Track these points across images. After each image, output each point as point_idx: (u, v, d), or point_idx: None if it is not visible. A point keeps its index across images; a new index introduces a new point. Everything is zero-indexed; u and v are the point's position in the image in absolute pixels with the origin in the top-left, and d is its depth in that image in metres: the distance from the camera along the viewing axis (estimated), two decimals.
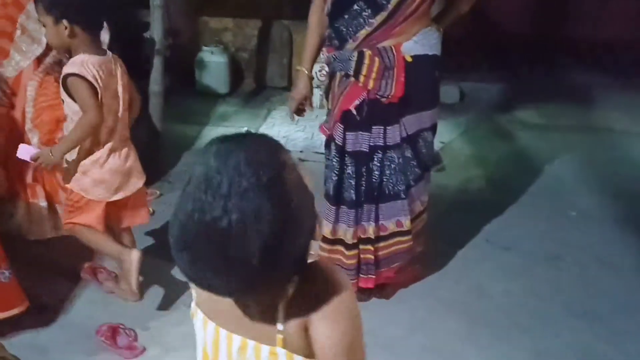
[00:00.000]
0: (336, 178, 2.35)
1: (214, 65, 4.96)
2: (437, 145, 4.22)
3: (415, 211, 2.47)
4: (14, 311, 2.11)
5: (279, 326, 0.97)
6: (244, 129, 4.13)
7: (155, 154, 3.63)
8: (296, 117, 2.48)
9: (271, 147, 0.92)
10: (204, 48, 5.00)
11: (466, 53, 5.43)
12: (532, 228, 3.13)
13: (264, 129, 4.32)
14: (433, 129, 2.43)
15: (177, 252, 0.90)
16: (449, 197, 3.49)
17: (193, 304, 1.09)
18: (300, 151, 3.94)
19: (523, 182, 3.66)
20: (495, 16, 5.53)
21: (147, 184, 3.33)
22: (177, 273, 2.47)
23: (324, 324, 0.96)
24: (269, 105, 4.87)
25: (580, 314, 2.48)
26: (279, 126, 4.40)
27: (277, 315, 0.97)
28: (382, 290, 2.56)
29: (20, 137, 2.70)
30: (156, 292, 2.48)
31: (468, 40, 5.34)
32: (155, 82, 3.59)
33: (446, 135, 4.43)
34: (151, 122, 3.65)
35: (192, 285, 1.03)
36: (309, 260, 0.98)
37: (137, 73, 3.70)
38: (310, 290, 0.97)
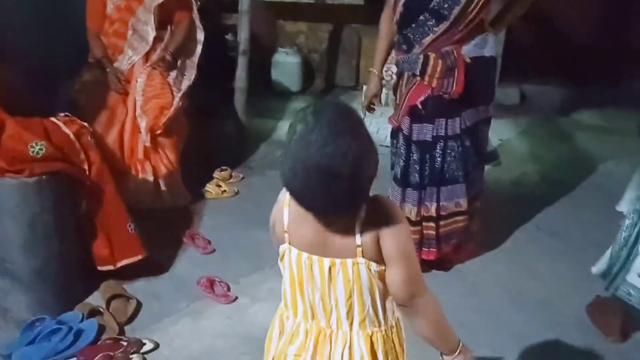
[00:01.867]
0: (403, 164, 2.72)
1: (288, 66, 5.41)
2: (495, 142, 4.53)
3: (472, 194, 2.81)
4: (138, 257, 2.57)
5: (358, 240, 1.29)
6: None
7: (241, 143, 4.09)
8: (367, 113, 2.86)
9: (347, 108, 1.27)
10: (280, 49, 5.45)
11: (530, 57, 5.65)
12: (578, 218, 3.40)
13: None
14: (488, 121, 2.77)
15: (288, 183, 1.24)
16: (504, 189, 3.79)
17: (283, 246, 1.40)
18: None
19: (575, 178, 3.91)
20: (562, 24, 5.71)
21: (233, 168, 3.82)
22: (263, 241, 2.89)
23: (390, 236, 1.28)
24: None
25: None
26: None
27: (355, 233, 1.29)
28: (442, 263, 2.90)
29: (132, 121, 3.20)
30: (246, 255, 2.91)
31: (534, 46, 5.57)
32: (241, 80, 4.05)
33: (505, 134, 4.72)
34: (237, 116, 4.11)
35: (285, 228, 1.37)
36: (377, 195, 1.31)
37: (222, 72, 4.18)
38: (378, 213, 1.29)
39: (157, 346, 2.28)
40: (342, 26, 5.50)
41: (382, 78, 2.84)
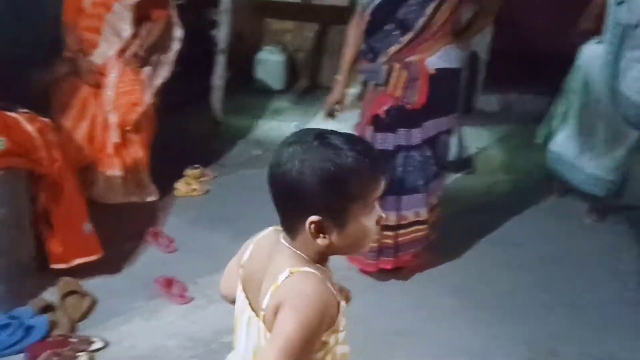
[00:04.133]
0: None
1: (272, 64, 5.42)
2: (472, 150, 4.57)
3: (431, 203, 2.83)
4: (92, 257, 2.59)
5: (264, 304, 1.09)
6: (293, 124, 4.56)
7: (214, 141, 4.11)
8: (329, 118, 2.89)
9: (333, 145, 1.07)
10: (265, 47, 5.46)
11: (511, 65, 5.68)
12: (544, 230, 3.43)
13: (312, 125, 4.73)
14: (449, 132, 2.79)
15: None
16: (473, 197, 3.82)
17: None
18: None
19: (548, 188, 3.93)
20: (544, 33, 5.73)
21: (205, 166, 3.83)
22: (226, 242, 2.91)
23: (288, 313, 1.03)
24: (320, 103, 5.27)
25: (571, 305, 2.77)
26: (326, 123, 4.80)
27: (266, 295, 1.09)
28: (400, 272, 2.92)
29: (103, 116, 3.21)
30: (207, 255, 2.93)
31: (513, 53, 5.59)
32: (218, 77, 4.07)
33: (483, 141, 4.74)
34: (212, 112, 4.12)
35: (242, 263, 1.20)
36: (306, 269, 1.08)
37: (204, 67, 4.19)
38: (295, 285, 1.06)
39: (106, 345, 2.30)
40: (328, 26, 5.51)
41: (347, 86, 2.87)
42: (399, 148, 2.66)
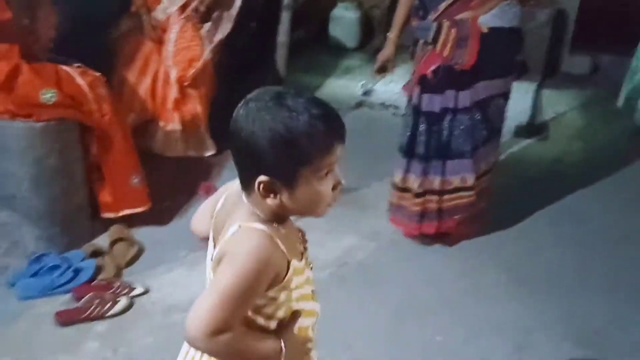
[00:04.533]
0: (410, 134, 2.67)
1: (346, 21, 5.32)
2: (548, 115, 4.33)
3: (481, 170, 2.72)
4: (140, 208, 2.71)
5: (213, 256, 1.13)
6: (361, 83, 4.49)
7: None
8: (379, 75, 2.82)
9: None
10: (339, 4, 5.36)
11: (603, 24, 5.27)
12: (617, 207, 3.19)
13: (380, 84, 4.62)
14: (505, 96, 2.64)
15: None
16: (542, 165, 3.63)
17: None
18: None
19: (624, 162, 3.66)
20: None
21: None
22: None
23: (225, 266, 1.06)
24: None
25: (636, 289, 2.60)
26: (396, 82, 4.68)
27: (217, 247, 1.12)
28: (446, 238, 2.85)
29: (165, 71, 3.30)
30: None
31: (605, 11, 5.17)
32: (283, 33, 4.05)
33: (562, 106, 4.47)
34: (276, 70, 4.13)
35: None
36: (255, 225, 1.08)
37: (271, 24, 4.19)
38: (238, 240, 1.07)
39: (146, 291, 2.42)
40: None
41: (399, 44, 2.77)
42: (445, 110, 2.56)
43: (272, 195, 1.07)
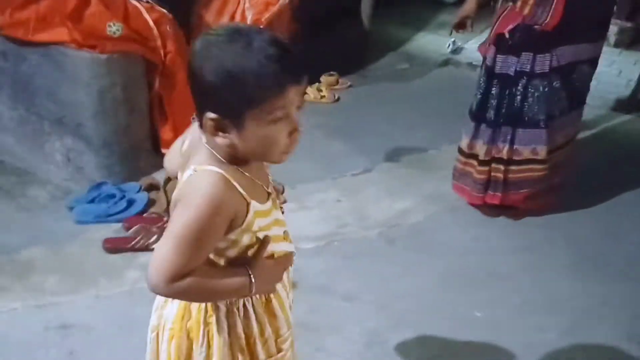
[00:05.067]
0: (480, 97, 2.49)
1: None
2: None
3: (557, 142, 2.51)
4: None
5: (172, 196, 1.08)
6: (451, 39, 4.25)
7: (360, 49, 4.01)
8: (457, 31, 2.63)
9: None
10: None
11: None
12: None
13: (472, 42, 4.36)
14: (592, 62, 2.39)
15: None
16: (636, 145, 3.31)
17: None
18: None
19: None
20: None
21: (343, 74, 3.78)
22: (337, 153, 2.88)
23: (179, 209, 1.02)
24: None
25: None
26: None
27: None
28: (512, 211, 2.68)
29: (242, 13, 3.27)
30: (315, 163, 2.95)
31: None
32: None
33: None
34: (360, 20, 4.00)
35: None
36: (211, 168, 1.03)
37: None
38: (193, 183, 1.03)
39: None
40: None
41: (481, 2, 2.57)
42: (520, 74, 2.36)
43: (220, 134, 1.01)
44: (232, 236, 1.06)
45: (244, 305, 1.14)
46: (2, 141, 2.71)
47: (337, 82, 3.69)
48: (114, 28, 2.38)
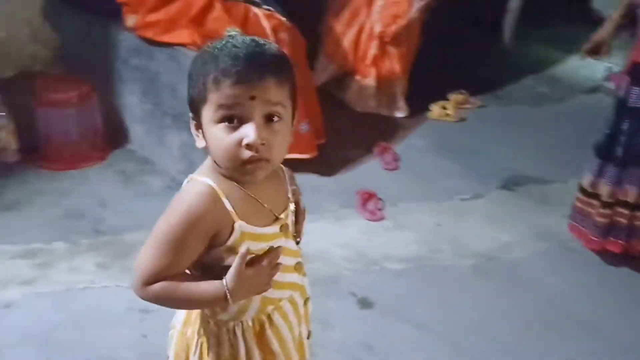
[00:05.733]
0: (609, 132, 2.26)
1: None
2: None
3: None
4: (305, 155, 2.77)
5: None
6: (606, 65, 3.88)
7: (497, 68, 3.81)
8: (588, 56, 2.40)
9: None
10: None
11: None
12: None
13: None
14: None
15: None
16: None
17: None
18: None
19: None
20: None
21: (474, 94, 3.62)
22: (451, 174, 2.78)
23: (162, 215, 1.03)
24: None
25: None
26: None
27: None
28: (634, 261, 2.39)
29: (371, 25, 3.26)
30: (422, 181, 2.85)
31: None
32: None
33: None
34: (501, 36, 3.80)
35: None
36: (202, 179, 1.02)
37: None
38: (181, 192, 1.04)
39: None
40: None
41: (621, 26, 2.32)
42: None
43: (198, 136, 1.03)
44: (214, 253, 1.03)
45: (233, 329, 1.10)
46: (133, 130, 2.95)
47: (467, 101, 3.54)
48: (232, 33, 2.48)
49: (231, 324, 1.10)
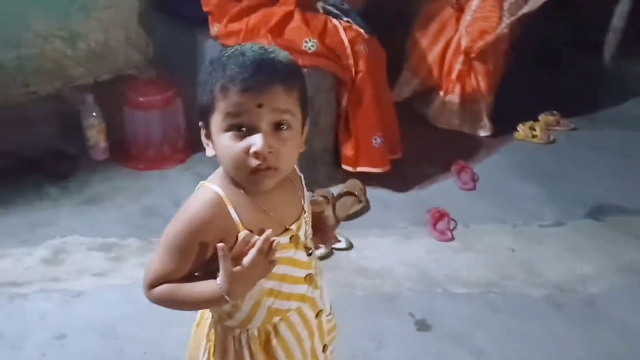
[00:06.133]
0: None
1: None
2: None
3: None
4: (377, 169, 2.72)
5: None
6: None
7: (594, 89, 3.59)
8: None
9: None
10: None
11: None
12: None
13: None
14: None
15: None
16: None
17: None
18: None
19: None
20: None
21: (568, 115, 3.43)
22: (529, 199, 2.64)
23: (173, 217, 1.04)
24: None
25: None
26: None
27: None
28: None
29: (458, 40, 3.17)
30: (497, 204, 2.73)
31: None
32: (619, 18, 3.46)
33: None
34: (602, 55, 3.58)
35: None
36: (211, 186, 1.03)
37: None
38: (190, 198, 1.05)
39: (349, 248, 2.46)
40: None
41: None
42: None
43: (208, 145, 1.03)
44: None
45: (239, 337, 1.10)
46: None
47: (558, 123, 3.35)
48: (310, 44, 2.50)
49: (237, 331, 1.10)
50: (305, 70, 2.42)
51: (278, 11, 2.55)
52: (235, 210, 1.01)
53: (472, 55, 3.10)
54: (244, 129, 0.96)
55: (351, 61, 2.56)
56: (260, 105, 0.95)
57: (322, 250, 2.40)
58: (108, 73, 3.15)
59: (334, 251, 2.44)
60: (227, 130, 0.97)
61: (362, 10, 2.89)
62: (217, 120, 0.98)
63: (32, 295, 2.19)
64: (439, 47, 3.22)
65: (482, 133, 3.24)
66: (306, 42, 2.50)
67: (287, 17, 2.54)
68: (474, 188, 2.87)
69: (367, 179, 2.77)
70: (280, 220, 1.06)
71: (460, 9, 3.18)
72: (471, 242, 2.52)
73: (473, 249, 2.49)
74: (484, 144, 3.21)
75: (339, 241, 2.47)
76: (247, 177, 0.99)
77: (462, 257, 2.44)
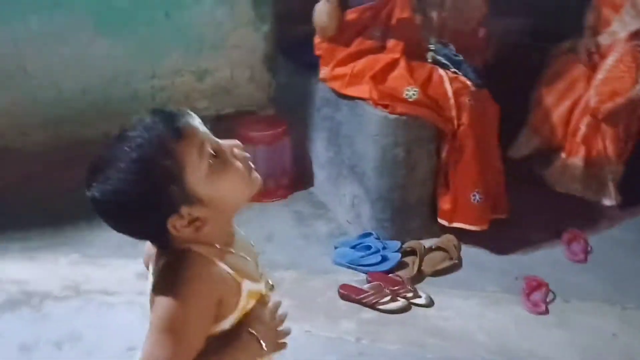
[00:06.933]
0: None
1: None
2: None
3: None
4: (474, 227, 2.57)
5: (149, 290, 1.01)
6: None
7: None
8: None
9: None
10: None
11: None
12: None
13: None
14: None
15: None
16: None
17: None
18: None
19: None
20: None
21: None
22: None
23: (159, 304, 0.93)
24: None
25: None
26: None
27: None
28: None
29: (587, 100, 2.94)
30: (605, 282, 2.45)
31: None
32: None
33: None
34: None
35: None
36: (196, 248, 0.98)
37: None
38: (168, 272, 0.97)
39: (428, 305, 2.34)
40: None
41: None
42: None
43: (195, 225, 0.96)
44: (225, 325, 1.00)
45: None
46: (318, 175, 3.08)
47: None
48: (411, 92, 2.46)
49: None
50: (403, 118, 2.44)
51: (384, 58, 2.55)
52: (224, 264, 1.00)
53: (600, 117, 2.85)
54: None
55: (454, 113, 2.48)
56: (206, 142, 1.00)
57: (398, 304, 2.32)
58: (230, 107, 3.34)
59: (412, 307, 2.33)
60: (210, 161, 0.97)
61: (484, 64, 2.81)
62: (197, 173, 0.95)
63: (118, 305, 2.34)
64: (565, 105, 3.01)
65: (607, 202, 2.95)
66: (407, 90, 2.47)
67: (392, 65, 2.54)
68: (584, 260, 2.60)
69: (465, 236, 2.63)
70: (254, 261, 1.06)
71: (592, 67, 2.95)
72: (568, 319, 2.28)
73: (568, 327, 2.24)
74: (605, 214, 2.91)
75: (419, 297, 2.36)
76: (247, 181, 1.03)
77: (553, 334, 2.21)
